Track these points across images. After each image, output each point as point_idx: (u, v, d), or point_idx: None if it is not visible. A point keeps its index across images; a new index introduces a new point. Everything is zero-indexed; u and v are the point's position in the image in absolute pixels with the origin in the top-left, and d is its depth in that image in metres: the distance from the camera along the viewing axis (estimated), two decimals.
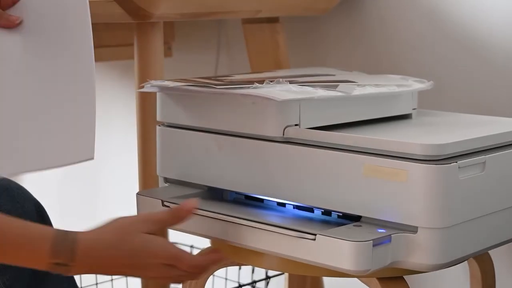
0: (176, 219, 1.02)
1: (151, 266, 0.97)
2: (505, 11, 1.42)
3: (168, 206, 1.12)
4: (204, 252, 1.06)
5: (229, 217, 1.06)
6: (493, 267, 1.24)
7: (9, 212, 1.15)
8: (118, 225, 0.98)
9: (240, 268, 1.81)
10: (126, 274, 1.00)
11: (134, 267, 0.97)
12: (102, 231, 0.97)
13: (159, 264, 0.98)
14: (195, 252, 1.19)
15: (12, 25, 1.09)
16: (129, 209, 1.54)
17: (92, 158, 1.03)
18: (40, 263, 0.94)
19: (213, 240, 1.10)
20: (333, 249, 0.96)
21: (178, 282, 1.05)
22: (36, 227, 0.96)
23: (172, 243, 1.00)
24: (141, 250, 0.97)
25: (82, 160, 1.03)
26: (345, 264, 0.95)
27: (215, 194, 1.18)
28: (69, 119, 1.04)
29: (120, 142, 2.13)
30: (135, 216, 1.01)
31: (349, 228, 1.01)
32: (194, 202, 1.03)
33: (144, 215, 1.02)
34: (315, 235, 0.97)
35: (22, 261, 0.95)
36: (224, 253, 1.04)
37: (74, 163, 1.03)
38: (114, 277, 1.87)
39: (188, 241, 1.77)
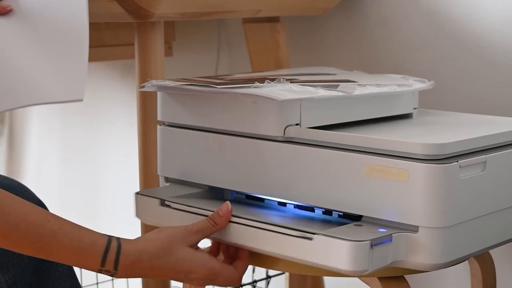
0: (216, 226, 1.04)
1: (191, 279, 1.02)
2: (505, 10, 1.42)
3: (168, 206, 1.13)
4: (239, 263, 1.07)
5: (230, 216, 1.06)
6: (493, 266, 1.24)
7: None
8: (162, 237, 1.02)
9: None
10: (168, 279, 1.05)
11: (175, 278, 1.02)
12: (147, 243, 1.01)
13: (199, 278, 1.02)
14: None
15: (3, 11, 1.11)
16: (130, 208, 1.55)
17: (81, 100, 1.07)
18: (89, 267, 1.00)
19: (213, 240, 1.10)
20: (330, 249, 0.96)
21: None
22: (87, 234, 1.00)
23: (213, 258, 1.03)
24: (182, 264, 1.01)
25: (71, 100, 1.07)
26: (342, 264, 0.95)
27: (216, 194, 1.18)
28: (62, 60, 1.09)
29: (120, 142, 2.13)
30: (177, 228, 1.03)
31: (350, 227, 1.01)
32: (228, 206, 1.05)
33: (185, 227, 1.04)
34: (314, 234, 0.97)
35: (72, 263, 1.01)
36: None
37: (63, 101, 1.08)
38: None
39: None
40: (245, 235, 1.04)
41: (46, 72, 1.07)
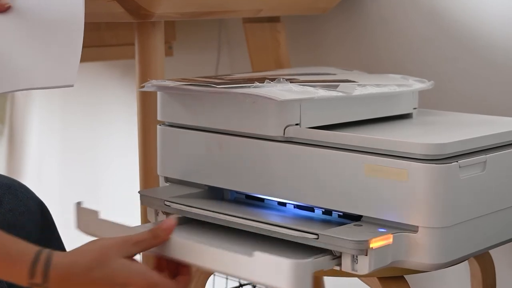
0: (156, 239, 0.97)
1: None
2: (505, 10, 1.42)
3: (168, 206, 1.13)
4: (181, 279, 1.00)
5: (229, 216, 1.06)
6: (493, 266, 1.24)
7: (12, 210, 1.15)
8: (96, 248, 0.95)
9: None
10: None
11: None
12: (79, 254, 0.94)
13: None
14: None
15: (2, 9, 1.11)
16: (130, 208, 1.55)
17: (72, 85, 1.08)
18: (18, 279, 0.93)
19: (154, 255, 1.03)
20: (269, 268, 0.88)
21: None
22: (17, 245, 0.94)
23: (149, 268, 0.96)
24: (118, 276, 0.93)
25: (62, 85, 1.08)
26: (282, 284, 0.88)
27: (216, 194, 1.18)
28: (56, 48, 1.10)
29: (121, 141, 2.13)
30: (113, 238, 0.96)
31: (350, 227, 1.01)
32: (172, 220, 0.99)
33: (123, 238, 0.97)
34: (317, 234, 0.97)
35: (2, 277, 0.94)
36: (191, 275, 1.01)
37: (54, 86, 1.09)
38: None
39: None
40: (185, 250, 0.97)
41: (39, 58, 1.09)
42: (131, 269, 0.94)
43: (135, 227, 1.03)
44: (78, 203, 1.09)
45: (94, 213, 1.06)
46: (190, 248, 0.95)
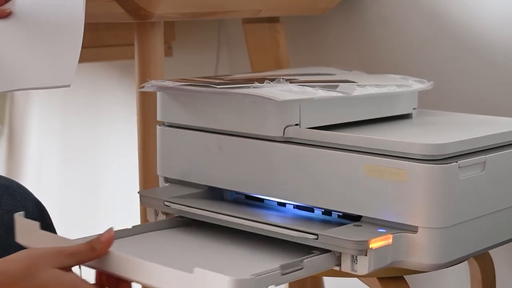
0: (93, 252, 0.93)
1: None
2: (505, 10, 1.42)
3: (168, 206, 1.12)
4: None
5: (229, 217, 1.06)
6: (493, 266, 1.24)
7: (10, 211, 1.15)
8: (25, 257, 0.90)
9: None
10: None
11: None
12: (8, 264, 0.89)
13: None
14: None
15: (3, 14, 1.11)
16: (130, 208, 1.55)
17: (69, 86, 1.08)
18: None
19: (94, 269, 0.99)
20: (210, 285, 0.86)
21: None
22: None
23: (84, 280, 0.91)
24: (47, 287, 0.88)
25: (59, 86, 1.09)
26: None
27: (216, 194, 1.18)
28: (55, 49, 1.11)
29: (120, 142, 2.13)
30: (46, 248, 0.91)
31: (349, 227, 1.01)
32: (111, 233, 0.93)
33: (57, 248, 0.92)
34: (317, 235, 0.97)
35: None
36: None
37: (51, 86, 1.10)
38: None
39: None
40: (124, 265, 0.93)
41: (37, 58, 1.10)
42: (62, 281, 0.89)
43: (77, 239, 0.98)
44: (18, 214, 1.03)
45: (34, 224, 1.00)
46: (129, 263, 0.91)
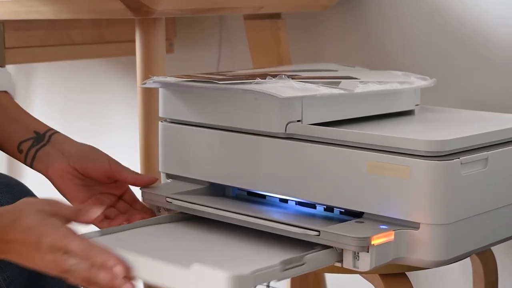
0: (76, 217, 0.97)
1: (44, 247, 0.93)
2: (506, 9, 1.42)
3: (170, 202, 1.12)
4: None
5: (231, 213, 1.06)
6: (495, 263, 1.24)
7: None
8: (22, 202, 0.97)
9: None
10: (29, 261, 0.95)
11: (30, 246, 0.93)
12: (6, 208, 0.96)
13: (51, 247, 0.93)
14: None
15: None
16: None
17: None
18: None
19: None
20: (206, 281, 0.85)
21: (78, 282, 0.95)
22: None
23: (69, 227, 0.95)
24: (34, 226, 0.93)
25: None
26: None
27: (217, 190, 1.18)
28: None
29: (122, 139, 2.13)
30: (41, 198, 0.99)
31: (351, 224, 1.00)
32: (97, 212, 0.98)
33: (49, 199, 0.98)
34: (319, 231, 0.97)
35: None
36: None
37: None
38: None
39: None
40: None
41: None
42: (46, 222, 0.94)
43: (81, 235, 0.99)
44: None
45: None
46: (128, 259, 0.92)
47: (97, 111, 2.20)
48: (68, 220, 0.97)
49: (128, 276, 0.91)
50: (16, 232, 0.94)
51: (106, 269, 0.91)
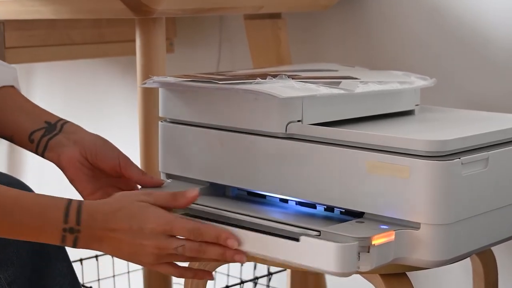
0: (174, 202, 1.03)
1: (147, 233, 0.98)
2: (506, 9, 1.42)
3: None
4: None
5: (231, 213, 1.06)
6: (495, 263, 1.24)
7: None
8: (120, 194, 1.03)
9: (242, 265, 1.81)
10: (126, 248, 0.99)
11: (132, 233, 0.99)
12: (105, 199, 1.02)
13: (154, 232, 0.98)
14: None
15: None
16: None
17: None
18: (53, 231, 0.99)
19: None
20: (316, 251, 0.94)
21: (181, 260, 1.02)
22: (47, 196, 1.01)
23: (168, 212, 1.01)
24: (137, 214, 0.99)
25: None
26: (329, 266, 0.93)
27: (218, 190, 1.18)
28: None
29: (122, 138, 2.13)
30: (137, 190, 1.07)
31: (352, 224, 1.00)
32: (196, 191, 1.03)
33: (145, 190, 1.07)
34: (319, 231, 0.97)
35: (34, 229, 0.99)
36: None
37: None
38: (116, 272, 1.87)
39: None
40: (242, 238, 1.01)
41: None
42: (148, 209, 1.00)
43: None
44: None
45: None
46: (239, 235, 0.99)
47: (97, 110, 2.20)
48: (167, 206, 1.03)
49: (239, 249, 1.00)
50: (119, 220, 0.99)
51: (216, 244, 0.99)
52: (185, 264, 1.07)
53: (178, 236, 1.00)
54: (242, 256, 0.99)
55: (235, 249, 0.99)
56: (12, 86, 1.23)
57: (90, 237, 0.99)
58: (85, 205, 0.99)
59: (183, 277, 1.06)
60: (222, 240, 0.99)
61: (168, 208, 1.02)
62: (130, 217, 0.99)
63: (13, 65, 1.25)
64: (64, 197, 1.01)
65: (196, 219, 1.04)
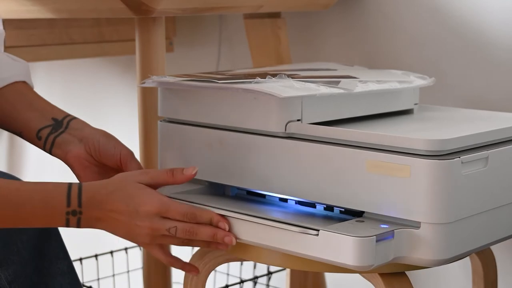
0: (171, 178, 1.06)
1: (142, 215, 1.02)
2: (506, 9, 1.42)
3: None
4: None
5: (231, 212, 1.06)
6: (495, 262, 1.24)
7: None
8: (118, 176, 1.07)
9: (242, 264, 1.81)
10: (123, 228, 1.04)
11: (128, 214, 1.02)
12: (104, 181, 1.06)
13: (149, 214, 1.02)
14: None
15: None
16: None
17: None
18: (57, 215, 1.03)
19: None
20: (336, 245, 0.96)
21: (174, 243, 1.06)
22: (48, 183, 1.04)
23: (164, 195, 1.04)
24: (133, 196, 1.03)
25: None
26: (348, 259, 0.95)
27: (217, 190, 1.18)
28: None
29: (121, 138, 2.13)
30: (132, 171, 1.09)
31: (352, 223, 1.00)
32: (194, 169, 1.07)
33: (143, 170, 1.10)
34: (318, 230, 0.97)
35: (39, 216, 1.03)
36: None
37: None
38: (115, 271, 1.87)
39: None
40: (247, 231, 1.04)
41: None
42: (144, 192, 1.03)
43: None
44: None
45: None
46: (254, 227, 1.02)
47: (97, 110, 2.20)
48: (165, 183, 1.07)
49: (230, 231, 1.04)
50: (117, 201, 1.03)
51: (208, 225, 1.04)
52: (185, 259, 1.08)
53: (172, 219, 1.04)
54: (231, 238, 1.04)
55: (227, 232, 1.04)
56: (24, 82, 1.24)
57: (91, 217, 1.03)
58: (84, 187, 1.03)
59: (171, 266, 1.10)
60: (214, 222, 1.04)
61: (168, 184, 1.07)
62: (127, 199, 1.02)
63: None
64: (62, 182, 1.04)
65: (190, 203, 1.07)
